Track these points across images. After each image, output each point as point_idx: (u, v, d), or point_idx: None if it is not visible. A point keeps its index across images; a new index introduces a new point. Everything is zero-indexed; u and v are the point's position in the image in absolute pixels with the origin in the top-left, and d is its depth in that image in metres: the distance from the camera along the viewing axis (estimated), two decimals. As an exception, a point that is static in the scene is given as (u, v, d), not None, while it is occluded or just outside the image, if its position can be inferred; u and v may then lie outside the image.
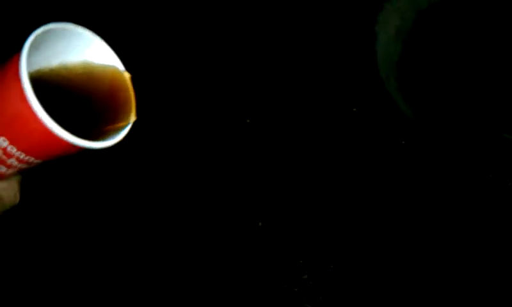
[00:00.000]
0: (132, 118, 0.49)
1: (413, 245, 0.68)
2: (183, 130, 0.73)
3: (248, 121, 0.73)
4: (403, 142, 0.71)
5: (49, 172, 0.67)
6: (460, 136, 0.72)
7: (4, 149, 0.47)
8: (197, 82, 0.75)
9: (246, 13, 0.76)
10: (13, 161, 0.47)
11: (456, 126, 0.73)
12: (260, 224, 0.70)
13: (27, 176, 0.58)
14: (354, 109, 0.72)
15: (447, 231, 0.69)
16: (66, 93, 0.47)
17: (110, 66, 0.50)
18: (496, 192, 0.69)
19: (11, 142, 0.46)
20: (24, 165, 0.49)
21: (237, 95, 0.74)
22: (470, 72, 0.74)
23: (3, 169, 0.49)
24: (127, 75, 0.51)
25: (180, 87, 0.75)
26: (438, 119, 0.73)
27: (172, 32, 0.77)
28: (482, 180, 0.70)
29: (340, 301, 0.66)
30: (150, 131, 0.72)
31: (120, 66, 0.50)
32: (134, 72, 0.68)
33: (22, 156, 0.47)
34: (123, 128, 0.49)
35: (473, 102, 0.73)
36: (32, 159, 0.47)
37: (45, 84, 0.46)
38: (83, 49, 0.50)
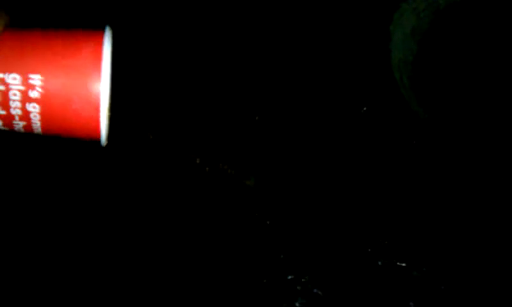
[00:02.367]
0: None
1: (423, 245, 0.67)
2: (190, 126, 0.73)
3: (257, 118, 0.73)
4: (414, 142, 0.70)
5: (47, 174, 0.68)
6: (473, 138, 0.71)
7: (29, 89, 0.44)
8: (206, 79, 0.75)
9: (254, 7, 0.76)
10: (17, 105, 0.45)
11: (469, 128, 0.71)
12: (268, 222, 0.69)
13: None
14: (365, 108, 0.72)
15: (458, 231, 0.67)
16: None
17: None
18: (510, 192, 0.68)
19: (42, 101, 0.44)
20: (18, 125, 0.46)
21: (246, 92, 0.74)
22: (486, 74, 0.73)
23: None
24: None
25: (188, 84, 0.75)
26: (452, 120, 0.72)
27: (179, 28, 0.77)
28: (495, 181, 0.68)
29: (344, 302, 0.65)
30: (156, 127, 0.73)
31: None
32: (144, 69, 0.69)
33: (34, 113, 0.45)
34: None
35: (488, 104, 0.72)
36: (37, 124, 0.46)
37: None
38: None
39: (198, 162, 0.71)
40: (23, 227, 0.67)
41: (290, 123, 0.72)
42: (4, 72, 0.44)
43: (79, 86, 0.44)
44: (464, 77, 0.74)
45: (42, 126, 0.46)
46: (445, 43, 0.76)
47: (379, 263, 0.66)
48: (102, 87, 0.44)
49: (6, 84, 0.43)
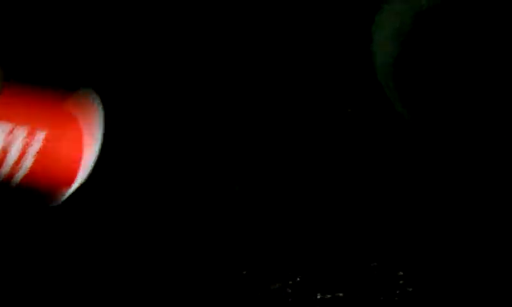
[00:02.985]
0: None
1: (405, 248, 0.67)
2: (175, 133, 0.73)
3: (242, 123, 0.73)
4: (398, 143, 0.70)
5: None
6: (458, 137, 0.71)
7: (31, 140, 0.49)
8: (191, 88, 0.75)
9: (236, 10, 0.76)
10: (15, 154, 0.49)
11: (453, 127, 0.72)
12: (253, 225, 0.69)
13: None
14: (349, 110, 0.72)
15: (445, 235, 0.67)
16: None
17: None
18: (495, 192, 0.68)
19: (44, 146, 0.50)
20: (4, 170, 0.50)
21: (229, 96, 0.74)
22: (469, 74, 0.74)
23: None
24: None
25: (170, 86, 0.75)
26: (436, 120, 0.72)
27: (162, 37, 0.77)
28: (479, 181, 0.68)
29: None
30: (147, 132, 0.72)
31: None
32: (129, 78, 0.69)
33: (27, 164, 0.50)
34: None
35: (471, 103, 0.72)
36: (21, 174, 0.50)
37: None
38: None
39: (186, 169, 0.71)
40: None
41: (274, 126, 0.72)
42: (12, 123, 0.49)
43: (72, 149, 0.51)
44: (448, 78, 0.74)
45: (25, 176, 0.50)
46: (428, 44, 0.76)
47: (370, 265, 0.66)
48: (91, 155, 0.53)
49: (13, 135, 0.48)
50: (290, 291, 0.65)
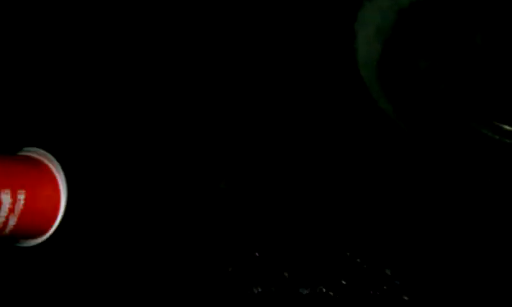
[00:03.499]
0: None
1: (396, 257, 0.67)
2: (163, 132, 0.73)
3: (229, 124, 0.73)
4: (384, 143, 0.70)
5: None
6: (443, 134, 0.71)
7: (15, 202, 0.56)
8: (177, 86, 0.75)
9: (220, 12, 0.76)
10: (3, 215, 0.56)
11: (438, 124, 0.72)
12: (242, 226, 0.69)
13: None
14: (335, 109, 0.72)
15: (432, 239, 0.68)
16: None
17: None
18: (483, 192, 0.68)
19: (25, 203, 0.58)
20: None
21: (216, 103, 0.74)
22: (452, 70, 0.74)
23: None
24: None
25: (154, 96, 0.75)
26: (421, 117, 0.72)
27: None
28: (465, 180, 0.69)
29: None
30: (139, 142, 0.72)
31: None
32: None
33: (12, 222, 0.57)
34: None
35: (456, 100, 0.73)
36: (7, 230, 0.57)
37: None
38: None
39: (172, 168, 0.71)
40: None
41: (259, 126, 0.73)
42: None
43: (47, 204, 0.61)
44: (431, 74, 0.74)
45: (10, 230, 0.57)
46: (411, 41, 0.76)
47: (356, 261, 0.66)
48: (62, 207, 0.62)
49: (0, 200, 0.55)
50: (276, 288, 0.65)
